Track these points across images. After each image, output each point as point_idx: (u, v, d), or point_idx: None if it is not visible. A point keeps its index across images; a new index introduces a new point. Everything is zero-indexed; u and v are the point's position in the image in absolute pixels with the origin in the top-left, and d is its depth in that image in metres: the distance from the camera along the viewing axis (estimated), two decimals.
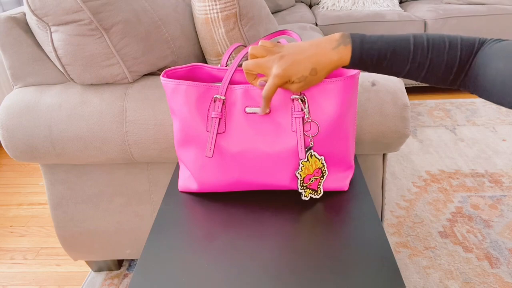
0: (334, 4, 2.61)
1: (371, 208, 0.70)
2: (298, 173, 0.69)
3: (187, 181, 0.77)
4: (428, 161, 1.84)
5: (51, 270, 1.35)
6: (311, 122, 0.68)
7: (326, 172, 0.72)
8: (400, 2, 2.83)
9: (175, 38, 1.08)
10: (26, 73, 0.99)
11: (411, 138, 2.04)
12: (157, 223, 0.69)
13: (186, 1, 1.22)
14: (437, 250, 1.33)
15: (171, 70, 0.73)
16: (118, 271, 1.32)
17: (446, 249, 1.33)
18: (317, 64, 0.59)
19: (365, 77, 0.95)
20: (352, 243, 0.62)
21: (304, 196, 0.72)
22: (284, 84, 0.62)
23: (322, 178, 0.72)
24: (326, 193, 0.75)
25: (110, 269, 1.31)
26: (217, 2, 1.03)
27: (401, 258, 1.30)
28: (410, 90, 2.64)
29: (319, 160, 0.70)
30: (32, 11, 0.86)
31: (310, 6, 2.89)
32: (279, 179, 0.72)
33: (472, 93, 0.60)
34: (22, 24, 0.96)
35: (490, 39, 0.58)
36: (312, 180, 0.71)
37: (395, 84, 0.94)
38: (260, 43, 0.63)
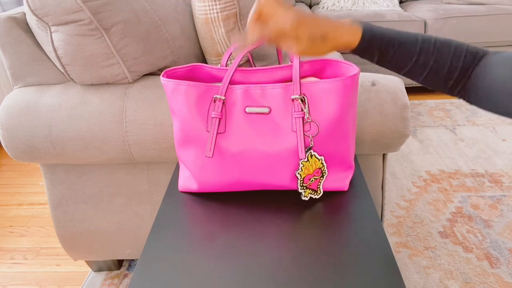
0: (334, 4, 2.61)
1: (371, 208, 0.70)
2: (298, 173, 0.69)
3: (187, 181, 0.77)
4: (428, 161, 1.84)
5: (51, 270, 1.35)
6: (311, 122, 0.68)
7: (326, 172, 0.72)
8: (400, 2, 2.83)
9: (175, 38, 1.08)
10: (26, 73, 0.99)
11: (411, 138, 2.04)
12: (157, 223, 0.69)
13: (186, 1, 1.22)
14: (437, 250, 1.33)
15: (171, 70, 0.73)
16: (118, 271, 1.32)
17: (446, 249, 1.33)
18: (330, 32, 0.57)
19: (365, 77, 0.95)
20: (352, 243, 0.62)
21: (304, 196, 0.73)
22: (288, 36, 0.56)
23: (322, 178, 0.72)
24: (326, 193, 0.75)
25: (110, 269, 1.31)
26: (217, 2, 1.04)
27: (401, 258, 1.30)
28: (410, 90, 2.63)
29: (319, 160, 0.70)
30: (32, 11, 0.86)
31: (310, 6, 2.89)
32: (279, 179, 0.72)
33: (471, 103, 0.60)
34: (22, 24, 0.96)
35: (494, 51, 0.59)
36: (312, 180, 0.71)
37: (395, 84, 0.94)
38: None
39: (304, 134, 0.68)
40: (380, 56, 0.60)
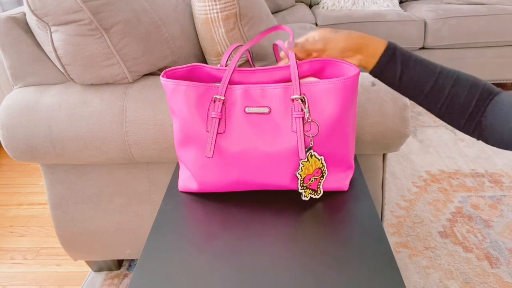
0: (334, 4, 2.61)
1: (371, 208, 0.70)
2: (298, 173, 0.69)
3: (187, 181, 0.77)
4: (428, 161, 1.84)
5: (51, 270, 1.35)
6: (311, 122, 0.68)
7: (326, 172, 0.72)
8: (400, 2, 2.83)
9: (175, 38, 1.08)
10: (26, 73, 0.99)
11: (411, 138, 2.04)
12: (157, 223, 0.69)
13: (186, 1, 1.22)
14: (437, 250, 1.33)
15: (171, 70, 0.73)
16: (118, 271, 1.32)
17: (446, 249, 1.33)
18: (361, 41, 0.66)
19: (365, 77, 0.95)
20: (352, 243, 0.62)
21: (304, 196, 0.72)
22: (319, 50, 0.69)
23: (322, 178, 0.72)
24: (326, 193, 0.75)
25: (110, 269, 1.32)
26: (217, 2, 1.04)
27: (401, 258, 1.30)
28: None
29: (319, 160, 0.70)
30: (32, 11, 0.86)
31: (310, 6, 2.89)
32: (279, 179, 0.72)
33: (488, 143, 0.62)
34: (22, 24, 0.96)
35: (507, 92, 0.60)
36: (312, 180, 0.71)
37: None
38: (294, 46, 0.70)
39: (304, 134, 0.68)
40: (402, 67, 0.63)
